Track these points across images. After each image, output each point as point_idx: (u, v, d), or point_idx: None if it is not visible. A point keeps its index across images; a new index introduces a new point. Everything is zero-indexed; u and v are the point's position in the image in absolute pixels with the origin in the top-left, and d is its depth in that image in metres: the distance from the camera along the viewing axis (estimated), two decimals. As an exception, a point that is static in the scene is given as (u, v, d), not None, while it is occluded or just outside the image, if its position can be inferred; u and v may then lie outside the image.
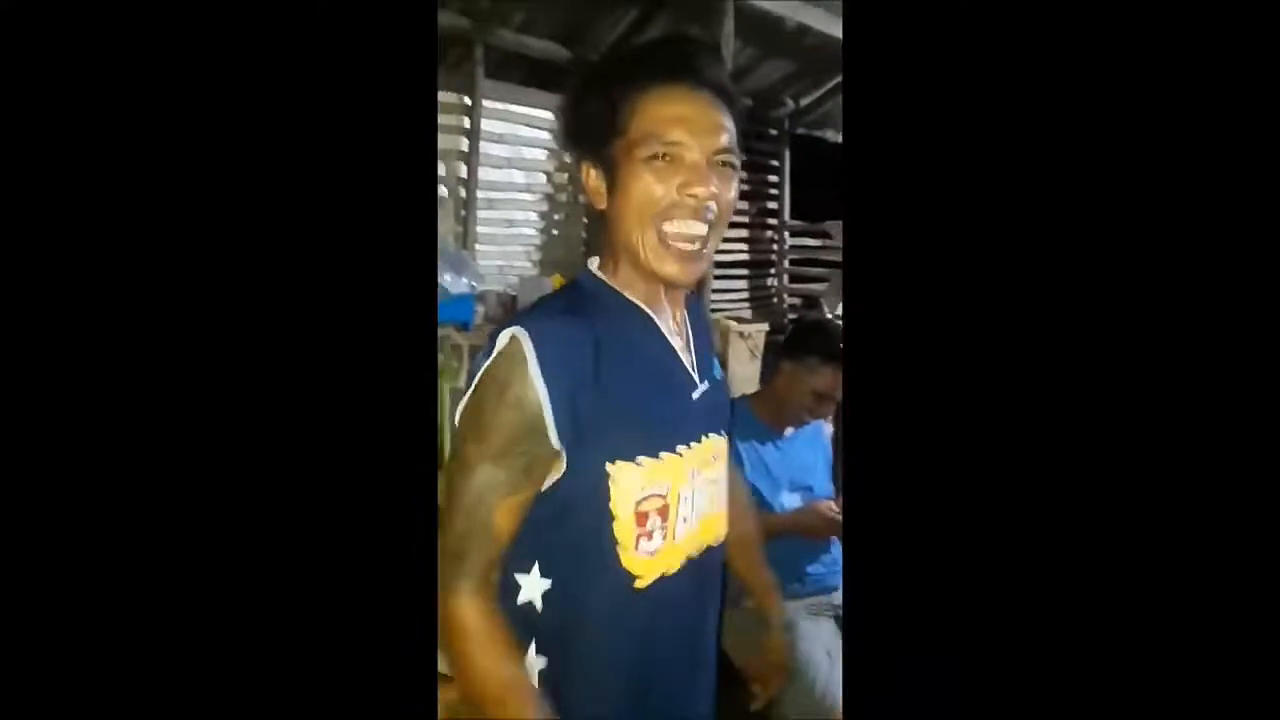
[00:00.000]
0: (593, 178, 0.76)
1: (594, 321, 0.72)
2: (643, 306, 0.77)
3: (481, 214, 2.46)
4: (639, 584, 0.74)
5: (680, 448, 0.75)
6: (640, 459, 0.72)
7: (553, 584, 0.75)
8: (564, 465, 0.71)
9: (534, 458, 0.70)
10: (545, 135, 2.73)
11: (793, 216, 4.06)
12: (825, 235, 2.67)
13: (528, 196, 2.72)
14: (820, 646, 1.36)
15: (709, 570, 0.80)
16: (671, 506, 0.75)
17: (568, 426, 0.69)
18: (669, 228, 0.72)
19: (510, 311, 2.36)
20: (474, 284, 2.32)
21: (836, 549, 1.58)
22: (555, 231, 2.82)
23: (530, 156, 2.71)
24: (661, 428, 0.75)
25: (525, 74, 2.56)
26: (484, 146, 2.46)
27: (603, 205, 0.76)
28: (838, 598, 1.53)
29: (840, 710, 1.27)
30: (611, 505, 0.72)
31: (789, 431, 1.51)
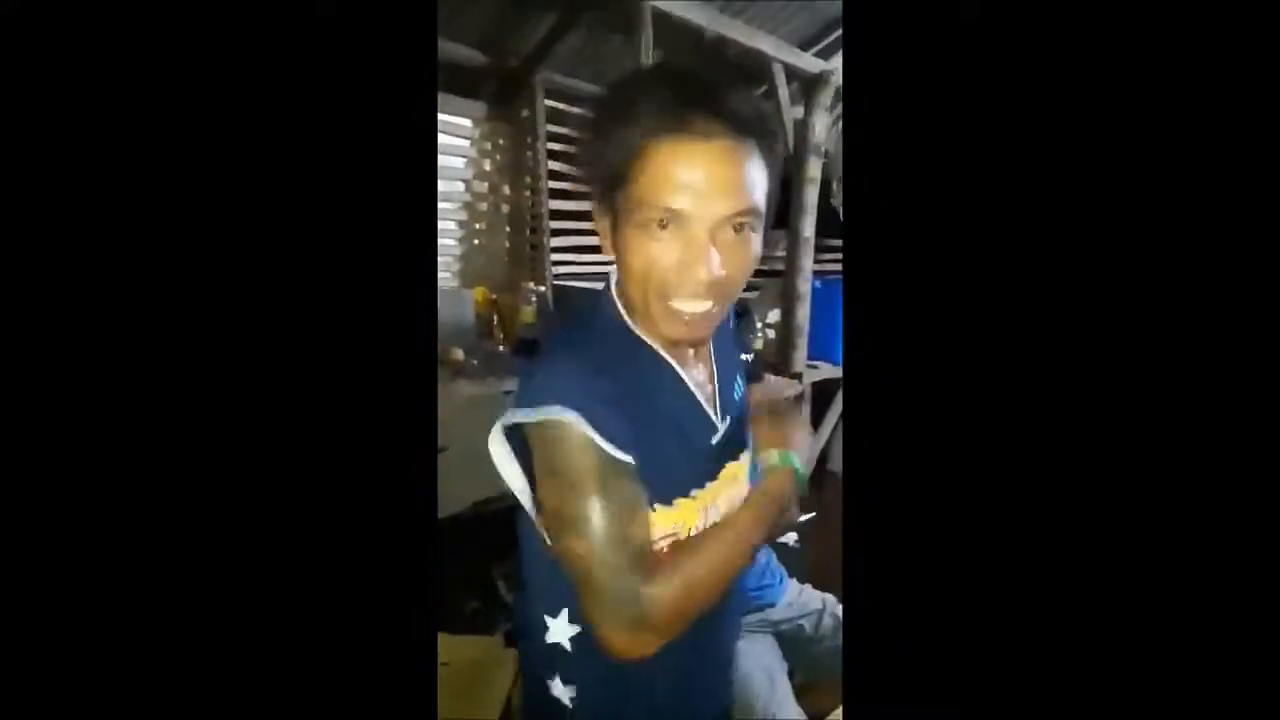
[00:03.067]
0: (600, 223, 0.71)
1: (619, 375, 0.68)
2: (664, 355, 0.74)
3: (398, 225, 2.36)
4: None
5: (695, 491, 0.75)
6: (657, 506, 0.71)
7: (582, 629, 0.75)
8: None
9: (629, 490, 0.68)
10: (463, 143, 2.65)
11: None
12: (776, 244, 2.69)
13: (447, 206, 2.63)
14: (759, 666, 1.35)
15: None
16: (683, 538, 0.74)
17: None
18: (674, 304, 0.67)
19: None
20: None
21: (769, 559, 1.58)
22: (476, 242, 2.74)
23: (447, 164, 2.62)
24: (678, 477, 0.74)
25: (444, 79, 2.47)
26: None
27: (611, 256, 0.71)
28: (774, 614, 1.53)
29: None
30: None
31: None
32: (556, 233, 2.76)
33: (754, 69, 2.50)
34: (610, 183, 0.67)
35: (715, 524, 0.76)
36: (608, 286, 0.76)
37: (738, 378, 0.85)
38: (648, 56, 2.03)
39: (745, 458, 0.83)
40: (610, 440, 0.65)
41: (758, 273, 0.75)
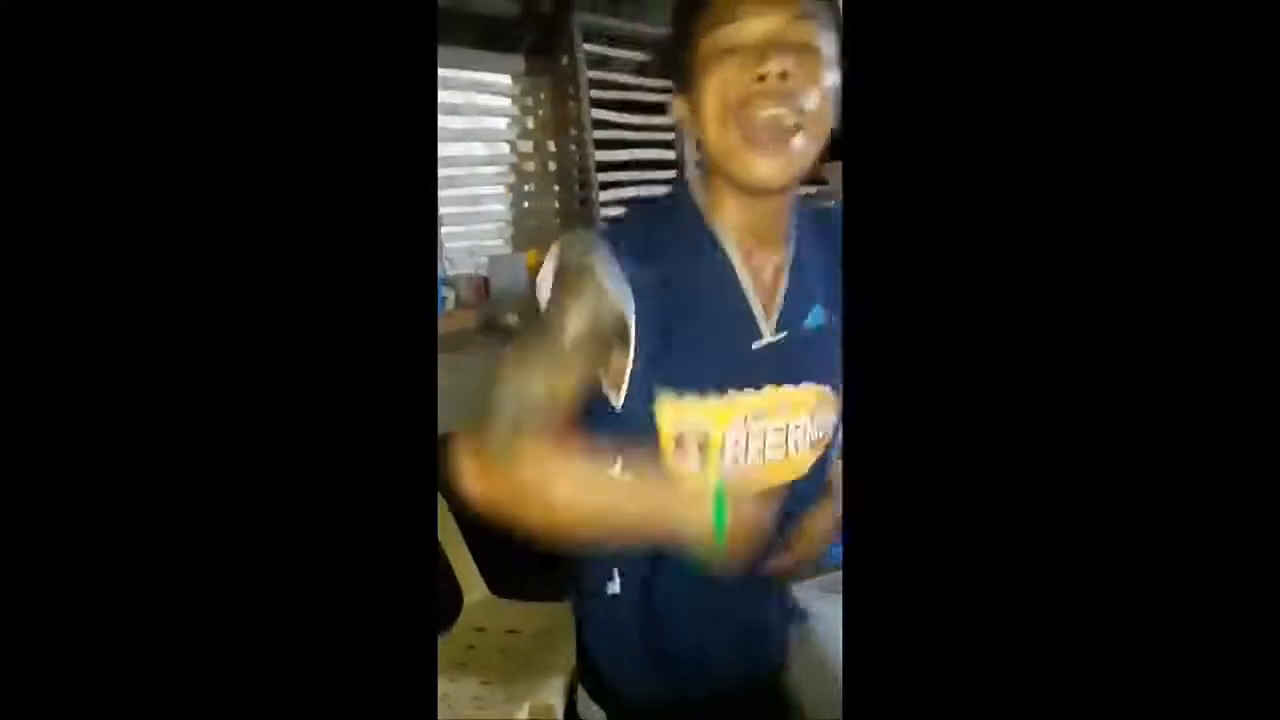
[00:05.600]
0: (680, 105, 0.75)
1: (669, 249, 0.74)
2: (720, 242, 0.76)
3: (444, 193, 2.33)
4: None
5: (733, 393, 0.75)
6: (685, 395, 0.73)
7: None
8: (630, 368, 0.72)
9: (605, 351, 0.72)
10: (504, 101, 2.59)
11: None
12: (823, 182, 2.51)
13: (492, 169, 2.59)
14: (839, 626, 1.30)
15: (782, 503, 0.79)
16: (712, 445, 0.74)
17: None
18: (749, 119, 0.67)
19: (483, 295, 2.25)
20: (443, 269, 2.22)
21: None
22: (526, 204, 2.69)
23: (491, 126, 2.57)
24: (709, 370, 0.74)
25: (478, 35, 2.41)
26: (440, 120, 2.33)
27: (695, 131, 0.74)
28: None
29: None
30: (658, 423, 0.73)
31: None
32: (605, 185, 2.68)
33: None
34: (680, 54, 0.72)
35: (620, 475, 0.73)
36: (686, 182, 0.80)
37: (816, 306, 0.80)
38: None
39: (808, 389, 0.79)
40: (616, 284, 0.69)
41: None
